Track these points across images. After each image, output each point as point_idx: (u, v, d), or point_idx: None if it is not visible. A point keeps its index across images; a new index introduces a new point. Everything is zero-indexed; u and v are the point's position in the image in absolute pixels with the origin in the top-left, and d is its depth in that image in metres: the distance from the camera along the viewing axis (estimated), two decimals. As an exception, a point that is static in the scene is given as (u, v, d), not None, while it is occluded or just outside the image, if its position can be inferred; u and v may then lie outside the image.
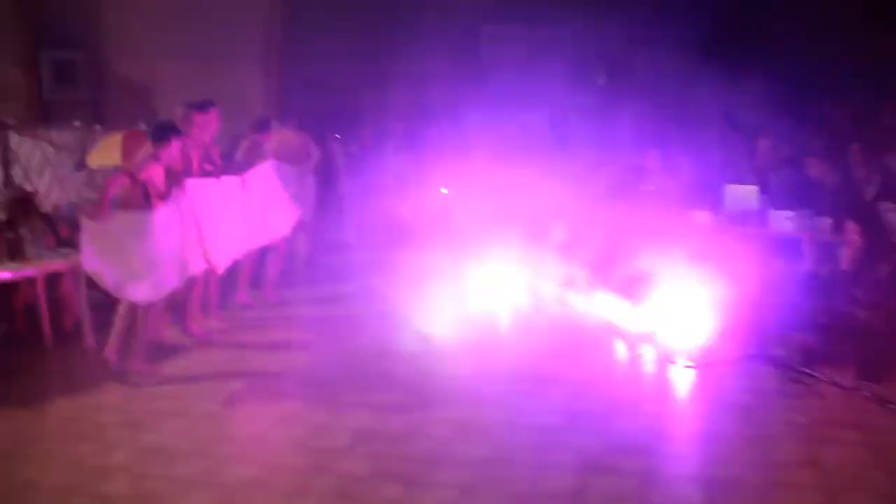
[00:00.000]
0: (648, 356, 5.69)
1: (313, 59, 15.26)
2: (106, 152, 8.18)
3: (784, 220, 5.71)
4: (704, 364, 5.41)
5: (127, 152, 7.98)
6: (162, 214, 5.62)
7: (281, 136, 8.23)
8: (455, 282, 7.07)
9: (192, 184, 5.99)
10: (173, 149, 5.85)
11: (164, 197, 5.75)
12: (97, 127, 9.25)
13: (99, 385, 5.43)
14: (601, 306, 6.54)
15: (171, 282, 5.72)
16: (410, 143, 11.45)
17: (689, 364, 5.45)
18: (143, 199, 5.61)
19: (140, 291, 5.48)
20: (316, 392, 5.16)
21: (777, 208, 5.94)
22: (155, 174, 5.74)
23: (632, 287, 6.43)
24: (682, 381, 5.25)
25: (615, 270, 6.56)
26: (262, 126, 7.76)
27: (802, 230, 5.67)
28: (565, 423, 4.51)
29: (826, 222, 5.63)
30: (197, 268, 6.14)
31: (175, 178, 5.93)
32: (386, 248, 7.81)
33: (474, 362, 5.68)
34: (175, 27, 14.00)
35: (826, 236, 5.42)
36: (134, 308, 5.61)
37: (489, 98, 15.20)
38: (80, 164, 8.50)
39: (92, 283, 6.26)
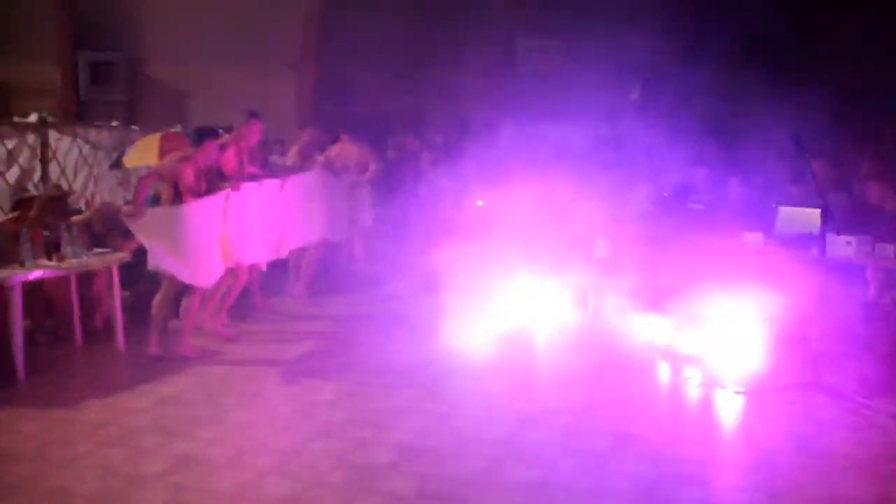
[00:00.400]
0: (696, 380, 5.47)
1: (348, 66, 15.23)
2: (142, 153, 8.12)
3: (844, 245, 5.47)
4: (755, 390, 5.19)
5: (164, 153, 7.94)
6: (193, 209, 5.93)
7: (343, 147, 8.55)
8: (495, 295, 6.90)
9: (245, 186, 6.41)
10: (209, 150, 6.13)
11: (195, 194, 6.00)
12: (134, 127, 9.17)
13: (130, 388, 5.31)
14: (646, 326, 6.34)
15: (205, 275, 6.05)
16: (449, 154, 11.32)
17: (739, 390, 5.23)
18: (174, 195, 5.91)
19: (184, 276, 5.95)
20: (356, 404, 5.01)
21: (835, 233, 5.71)
22: (186, 173, 5.93)
23: (677, 307, 6.25)
24: (733, 407, 5.02)
25: (660, 289, 6.36)
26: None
27: (862, 256, 5.43)
28: (616, 448, 4.31)
29: (888, 249, 5.39)
30: (241, 262, 6.50)
31: (212, 177, 6.23)
32: (424, 260, 7.64)
33: (517, 380, 5.51)
34: (211, 30, 14.01)
35: (890, 263, 5.19)
36: (170, 297, 6.11)
37: (525, 110, 15.15)
38: (116, 164, 8.43)
39: (125, 284, 6.26)
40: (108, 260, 6.17)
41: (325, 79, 15.10)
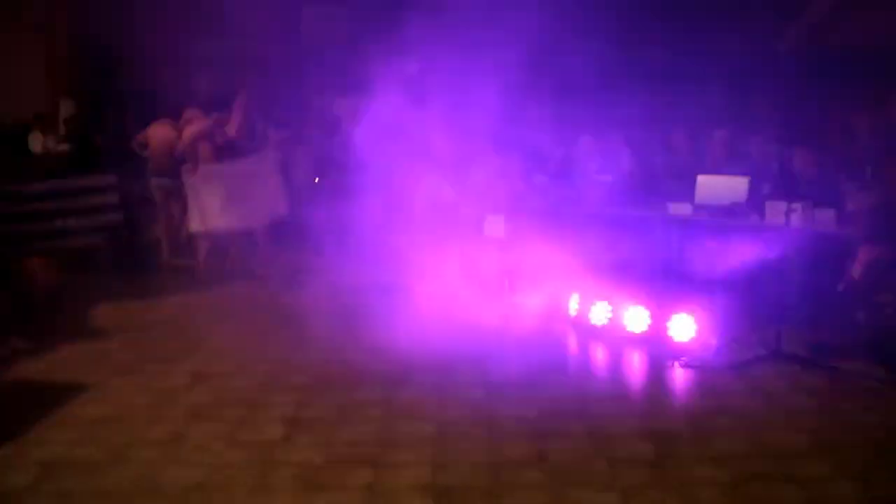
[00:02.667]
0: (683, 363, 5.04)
1: (113, 33, 13.09)
2: None
3: (785, 212, 5.34)
4: (720, 365, 4.91)
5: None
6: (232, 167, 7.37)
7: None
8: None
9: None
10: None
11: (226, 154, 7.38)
12: None
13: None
14: (582, 310, 5.84)
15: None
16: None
17: (688, 364, 4.93)
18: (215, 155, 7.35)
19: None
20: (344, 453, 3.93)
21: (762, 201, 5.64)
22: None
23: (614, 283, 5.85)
24: (725, 387, 4.66)
25: (593, 265, 5.90)
26: None
27: (806, 222, 5.36)
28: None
29: (829, 213, 5.36)
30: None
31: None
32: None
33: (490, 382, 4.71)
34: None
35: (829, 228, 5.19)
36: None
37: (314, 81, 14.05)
38: None
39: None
40: None
41: (85, 46, 12.81)
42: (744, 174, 6.15)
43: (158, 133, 8.56)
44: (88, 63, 12.79)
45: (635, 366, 5.10)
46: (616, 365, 5.13)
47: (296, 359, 5.13)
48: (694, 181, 6.30)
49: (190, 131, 7.59)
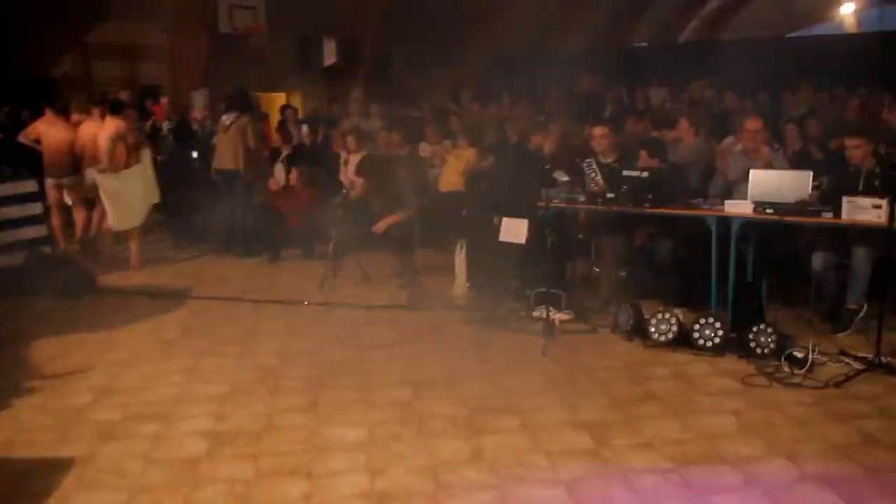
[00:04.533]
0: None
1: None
2: None
3: (871, 209, 4.73)
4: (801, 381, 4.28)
5: None
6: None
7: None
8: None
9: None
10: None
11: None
12: None
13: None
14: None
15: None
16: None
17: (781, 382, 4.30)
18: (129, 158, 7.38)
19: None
20: None
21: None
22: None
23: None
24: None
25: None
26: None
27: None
28: None
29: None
30: None
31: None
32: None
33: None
34: None
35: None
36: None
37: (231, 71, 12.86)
38: None
39: None
40: None
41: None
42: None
43: (54, 129, 7.54)
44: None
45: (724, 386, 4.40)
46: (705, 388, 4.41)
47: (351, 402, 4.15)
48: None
49: (109, 131, 7.27)
